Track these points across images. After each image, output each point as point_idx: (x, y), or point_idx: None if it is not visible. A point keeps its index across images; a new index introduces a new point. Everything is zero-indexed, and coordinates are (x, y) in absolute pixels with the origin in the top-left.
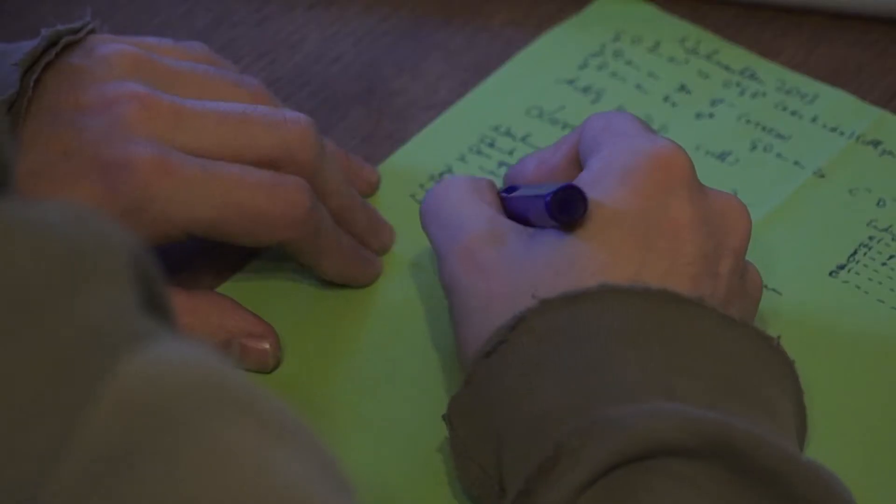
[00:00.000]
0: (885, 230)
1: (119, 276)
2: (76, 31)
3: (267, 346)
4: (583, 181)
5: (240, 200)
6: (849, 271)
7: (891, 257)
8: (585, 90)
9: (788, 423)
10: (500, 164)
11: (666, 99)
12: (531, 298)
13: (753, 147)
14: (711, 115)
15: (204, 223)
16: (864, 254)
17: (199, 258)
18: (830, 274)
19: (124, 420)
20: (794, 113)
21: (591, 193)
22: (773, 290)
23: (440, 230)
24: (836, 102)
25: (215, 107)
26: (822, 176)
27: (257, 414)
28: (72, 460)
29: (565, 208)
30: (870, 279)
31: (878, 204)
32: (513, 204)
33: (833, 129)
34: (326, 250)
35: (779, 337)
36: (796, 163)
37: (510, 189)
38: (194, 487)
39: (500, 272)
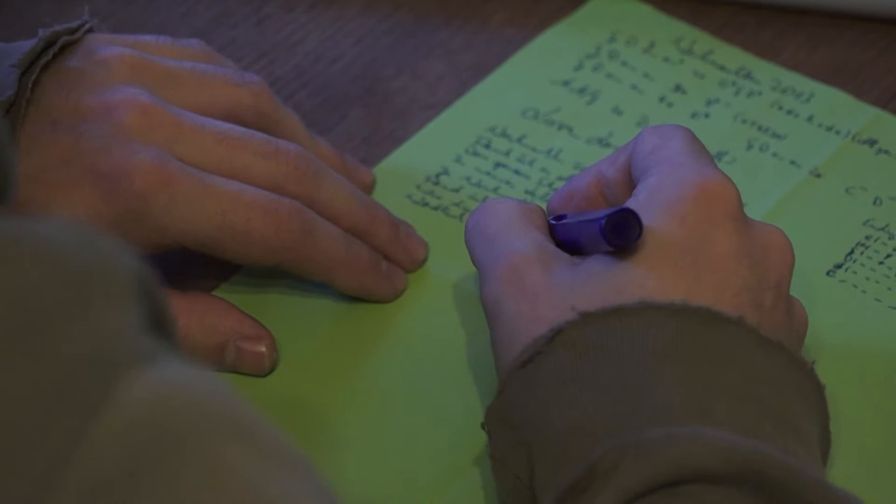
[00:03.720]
0: (882, 229)
1: (123, 296)
2: (73, 32)
3: (263, 349)
4: None
5: (234, 221)
6: (846, 270)
7: (888, 256)
8: (581, 91)
9: (815, 447)
10: (497, 164)
11: (661, 99)
12: (570, 311)
13: (749, 146)
14: (707, 115)
15: (198, 238)
16: (861, 253)
17: (196, 260)
18: (827, 273)
19: (126, 441)
20: (789, 112)
21: None
22: None
23: (485, 248)
24: (831, 101)
25: (213, 126)
26: (819, 175)
27: (258, 440)
28: (72, 480)
29: (620, 232)
30: (867, 278)
31: (874, 203)
32: (563, 231)
33: (829, 128)
34: (333, 268)
35: (813, 362)
36: (792, 162)
37: (558, 218)
38: None
39: (545, 296)
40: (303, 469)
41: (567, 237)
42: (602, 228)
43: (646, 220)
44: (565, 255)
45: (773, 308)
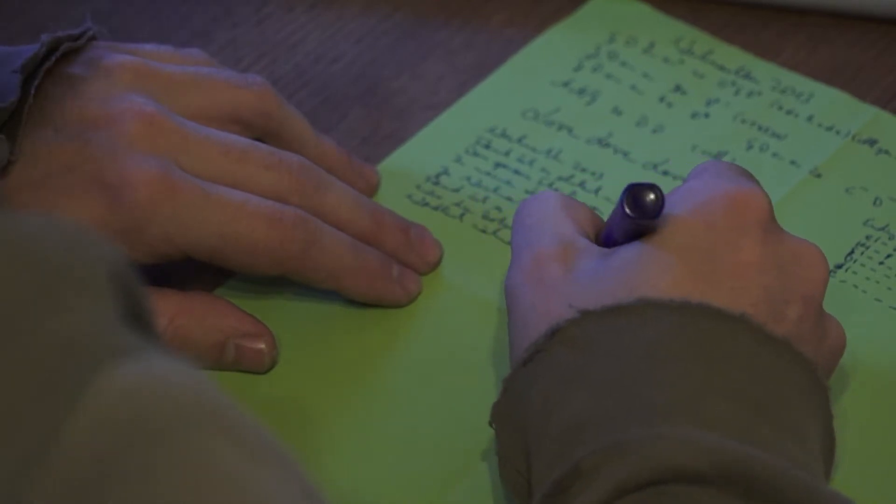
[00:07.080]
0: (882, 229)
1: (101, 289)
2: (76, 38)
3: (262, 346)
4: None
5: (238, 230)
6: (846, 271)
7: (888, 256)
8: (581, 92)
9: (815, 447)
10: (497, 165)
11: (661, 99)
12: (569, 308)
13: (749, 147)
14: (707, 115)
15: (202, 248)
16: (862, 253)
17: (196, 260)
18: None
19: (103, 435)
20: (789, 112)
21: (665, 224)
22: None
23: (520, 237)
24: (831, 101)
25: (218, 137)
26: (819, 175)
27: (239, 435)
28: (50, 474)
29: (639, 201)
30: (867, 278)
31: (874, 203)
32: (605, 230)
33: (829, 128)
34: (341, 275)
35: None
36: (792, 162)
37: None
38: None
39: (561, 291)
40: (286, 465)
41: (606, 233)
42: (622, 200)
43: (673, 220)
44: (595, 251)
45: (798, 321)
